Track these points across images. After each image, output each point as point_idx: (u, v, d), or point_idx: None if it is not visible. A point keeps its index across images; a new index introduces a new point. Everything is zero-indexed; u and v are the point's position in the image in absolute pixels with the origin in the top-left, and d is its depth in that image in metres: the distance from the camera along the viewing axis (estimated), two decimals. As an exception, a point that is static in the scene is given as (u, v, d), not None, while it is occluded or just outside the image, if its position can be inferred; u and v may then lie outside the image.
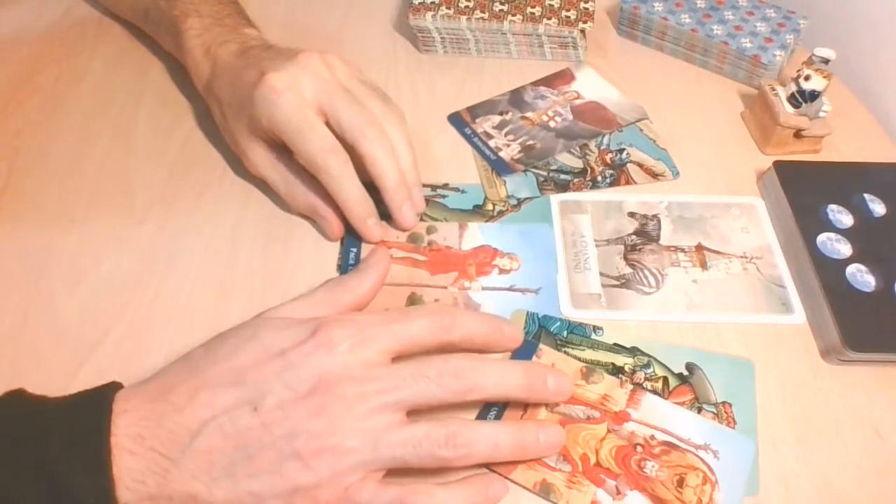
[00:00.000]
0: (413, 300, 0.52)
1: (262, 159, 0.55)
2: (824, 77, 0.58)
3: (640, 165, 0.62)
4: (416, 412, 0.42)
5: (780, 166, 0.59)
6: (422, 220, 0.57)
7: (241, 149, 0.56)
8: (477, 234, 0.56)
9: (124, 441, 0.37)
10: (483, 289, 0.53)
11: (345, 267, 0.54)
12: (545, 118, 0.66)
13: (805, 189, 0.57)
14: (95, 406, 0.38)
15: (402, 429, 0.40)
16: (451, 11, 0.68)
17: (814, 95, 0.59)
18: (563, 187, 0.60)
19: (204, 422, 0.37)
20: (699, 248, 0.56)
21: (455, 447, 0.40)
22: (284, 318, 0.43)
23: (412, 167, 0.55)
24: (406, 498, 0.39)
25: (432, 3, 0.69)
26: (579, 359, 0.49)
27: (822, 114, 0.61)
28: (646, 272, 0.55)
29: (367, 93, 0.54)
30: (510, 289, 0.53)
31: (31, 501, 0.36)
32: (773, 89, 0.62)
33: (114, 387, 0.40)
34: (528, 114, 0.66)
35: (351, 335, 0.40)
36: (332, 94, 0.52)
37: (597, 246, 0.56)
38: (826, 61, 0.59)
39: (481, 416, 0.46)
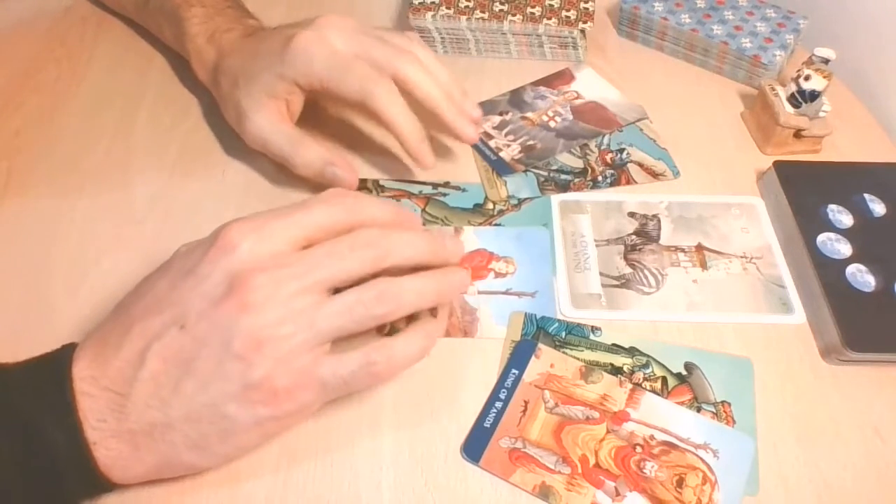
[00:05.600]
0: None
1: (265, 121, 0.56)
2: (824, 77, 0.58)
3: (641, 165, 0.62)
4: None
5: (780, 166, 0.59)
6: (423, 224, 0.57)
7: (245, 113, 0.56)
8: (472, 238, 0.56)
9: (80, 385, 0.38)
10: (479, 292, 0.53)
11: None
12: (545, 118, 0.66)
13: (805, 189, 0.57)
14: (55, 359, 0.40)
15: (332, 302, 0.40)
16: (451, 11, 0.68)
17: (814, 95, 0.59)
18: (564, 187, 0.60)
19: (141, 352, 0.38)
20: (699, 248, 0.56)
21: (388, 302, 0.41)
22: (189, 243, 0.43)
23: (453, 83, 0.57)
24: (370, 356, 0.41)
25: (432, 3, 0.69)
26: (578, 359, 0.49)
27: (822, 114, 0.61)
28: (646, 272, 0.55)
29: (386, 33, 0.56)
30: (507, 292, 0.53)
31: (4, 452, 0.37)
32: (773, 89, 0.62)
33: (71, 345, 0.41)
34: (528, 114, 0.66)
35: (251, 231, 0.40)
36: (360, 40, 0.54)
37: (597, 246, 0.56)
38: (826, 61, 0.59)
39: (485, 411, 0.47)
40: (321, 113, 0.64)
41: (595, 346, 0.50)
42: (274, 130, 0.56)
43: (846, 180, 0.58)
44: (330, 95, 0.55)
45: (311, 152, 0.56)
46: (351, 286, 0.41)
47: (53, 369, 0.39)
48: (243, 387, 0.38)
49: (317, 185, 0.59)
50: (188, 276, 0.40)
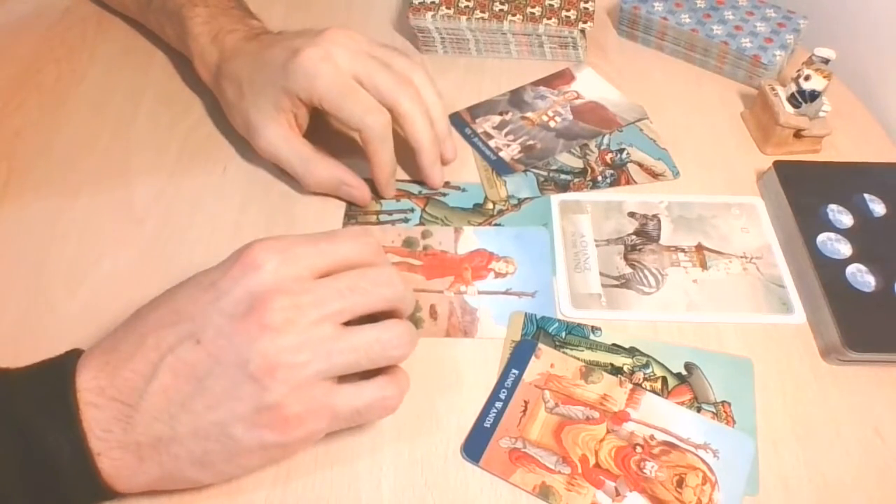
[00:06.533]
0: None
1: (277, 137, 0.56)
2: (824, 77, 0.58)
3: (640, 165, 0.62)
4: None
5: (780, 166, 0.59)
6: (421, 222, 0.57)
7: (255, 127, 0.56)
8: (472, 238, 0.56)
9: (87, 395, 0.38)
10: (479, 292, 0.53)
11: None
12: (545, 118, 0.66)
13: (805, 189, 0.57)
14: (59, 367, 0.39)
15: (351, 335, 0.40)
16: (451, 11, 0.68)
17: (814, 95, 0.59)
18: (564, 187, 0.60)
19: (154, 364, 0.38)
20: (699, 247, 0.56)
21: (404, 346, 0.41)
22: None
23: (442, 118, 0.59)
24: (384, 389, 0.41)
25: (432, 3, 0.69)
26: (578, 359, 0.49)
27: (822, 114, 0.61)
28: (646, 272, 0.55)
29: (390, 54, 0.56)
30: (506, 292, 0.53)
31: (8, 461, 0.37)
32: (773, 89, 0.62)
33: (76, 351, 0.40)
34: (528, 114, 0.66)
35: (277, 252, 0.40)
36: (364, 62, 0.54)
37: (597, 246, 0.56)
38: (826, 61, 0.59)
39: (486, 411, 0.47)
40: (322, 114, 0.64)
41: (595, 346, 0.50)
42: (285, 147, 0.56)
43: (846, 180, 0.58)
44: (328, 115, 0.55)
45: (323, 171, 0.57)
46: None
47: (57, 378, 0.39)
48: (254, 409, 0.38)
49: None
50: (208, 290, 0.39)
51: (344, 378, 0.41)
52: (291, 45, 0.54)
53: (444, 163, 0.60)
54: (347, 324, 0.41)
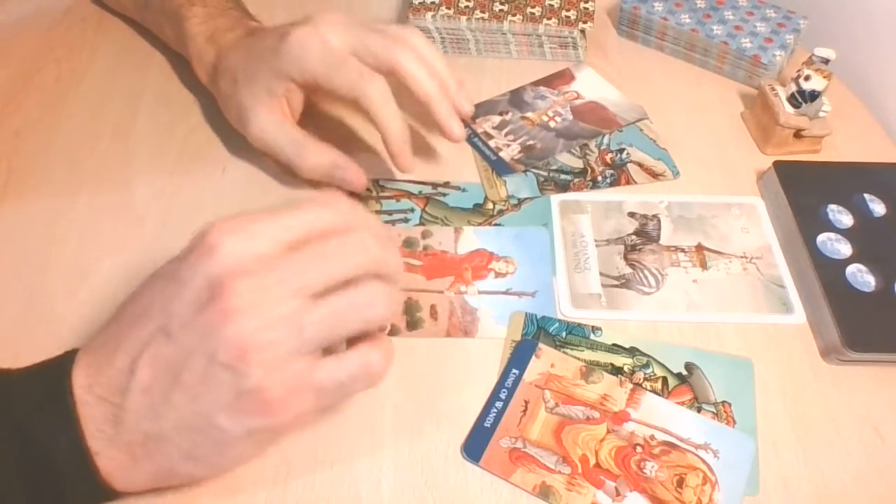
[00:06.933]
0: (409, 306, 0.52)
1: (269, 122, 0.55)
2: (824, 77, 0.58)
3: (640, 165, 0.62)
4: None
5: (780, 166, 0.59)
6: (421, 222, 0.57)
7: (248, 113, 0.56)
8: (472, 238, 0.56)
9: (79, 393, 0.38)
10: (479, 292, 0.53)
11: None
12: (545, 118, 0.66)
13: (805, 189, 0.57)
14: (56, 367, 0.39)
15: (321, 306, 0.38)
16: (451, 11, 0.68)
17: (814, 95, 0.59)
18: (564, 187, 0.60)
19: (132, 361, 0.37)
20: (699, 247, 0.56)
21: (380, 307, 0.40)
22: None
23: (449, 74, 0.57)
24: (367, 356, 0.40)
25: (432, 3, 0.69)
26: (578, 359, 0.49)
27: (822, 114, 0.61)
28: (646, 272, 0.55)
29: (380, 25, 0.55)
30: (507, 292, 0.53)
31: (6, 461, 0.37)
32: (773, 89, 0.62)
33: (73, 351, 0.40)
34: (528, 114, 0.66)
35: (233, 232, 0.38)
36: (355, 33, 0.53)
37: (597, 246, 0.56)
38: (826, 61, 0.59)
39: (486, 411, 0.47)
40: (320, 112, 0.64)
41: (595, 346, 0.50)
42: (277, 133, 0.56)
43: (846, 180, 0.58)
44: (324, 91, 0.54)
45: (317, 155, 0.56)
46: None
47: (55, 377, 0.38)
48: (234, 396, 0.37)
49: (318, 181, 0.59)
50: (171, 281, 0.38)
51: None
52: (281, 30, 0.54)
53: (461, 117, 0.57)
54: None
